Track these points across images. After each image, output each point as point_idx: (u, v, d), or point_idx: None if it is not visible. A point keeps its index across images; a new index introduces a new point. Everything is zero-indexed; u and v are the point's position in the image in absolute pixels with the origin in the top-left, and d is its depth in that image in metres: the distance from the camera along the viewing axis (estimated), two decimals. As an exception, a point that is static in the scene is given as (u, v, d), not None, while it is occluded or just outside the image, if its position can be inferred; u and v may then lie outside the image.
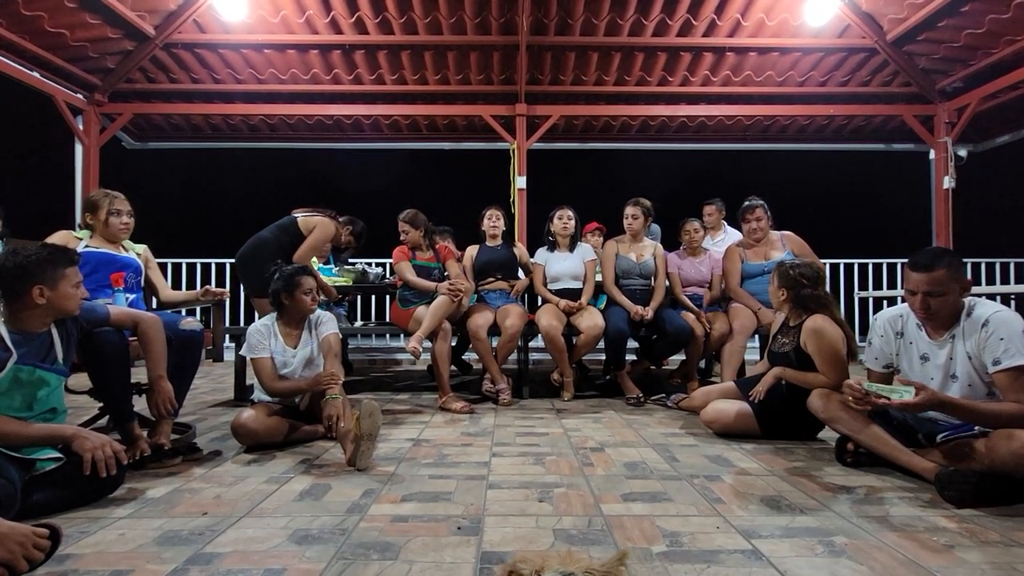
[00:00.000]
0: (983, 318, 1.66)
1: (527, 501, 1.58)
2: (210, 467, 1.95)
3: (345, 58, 5.24)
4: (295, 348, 2.36)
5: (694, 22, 4.91)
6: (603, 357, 4.38)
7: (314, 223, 3.11)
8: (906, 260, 1.79)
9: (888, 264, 5.67)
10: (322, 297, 3.28)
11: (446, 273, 3.35)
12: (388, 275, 4.74)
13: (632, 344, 3.69)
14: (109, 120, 5.40)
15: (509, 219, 3.87)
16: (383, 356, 5.60)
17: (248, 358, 2.36)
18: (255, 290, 3.05)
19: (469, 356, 4.71)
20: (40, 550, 1.08)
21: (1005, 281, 5.56)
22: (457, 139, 6.39)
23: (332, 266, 3.88)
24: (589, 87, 5.59)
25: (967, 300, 1.74)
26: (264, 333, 2.34)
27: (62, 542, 1.17)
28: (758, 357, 3.34)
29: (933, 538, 1.31)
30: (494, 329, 3.27)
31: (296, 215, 3.18)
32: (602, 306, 3.47)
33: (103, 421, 2.30)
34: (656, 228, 4.37)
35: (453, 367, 3.90)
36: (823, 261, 2.85)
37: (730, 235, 4.10)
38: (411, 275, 3.26)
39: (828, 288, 2.39)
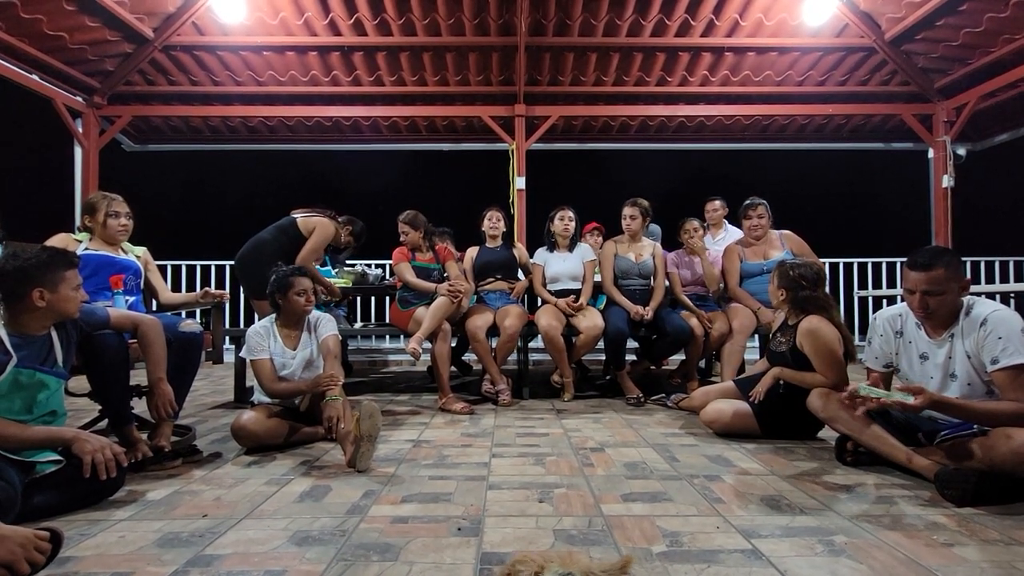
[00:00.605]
0: (981, 317, 1.66)
1: (527, 502, 1.58)
2: (210, 469, 1.95)
3: (344, 60, 5.24)
4: (294, 350, 2.36)
5: (692, 22, 4.91)
6: (603, 357, 4.38)
7: (314, 224, 3.11)
8: (905, 259, 1.79)
9: (887, 263, 5.67)
10: (324, 297, 3.28)
11: (446, 274, 3.35)
12: (388, 276, 4.74)
13: (632, 344, 3.69)
14: (108, 123, 5.40)
15: (509, 220, 3.87)
16: (383, 357, 5.60)
17: (248, 360, 2.36)
18: (255, 292, 3.05)
19: (469, 357, 4.71)
20: (41, 553, 1.08)
21: (1004, 280, 5.57)
22: (456, 140, 6.40)
23: (330, 267, 3.88)
24: (588, 88, 5.59)
25: (966, 299, 1.74)
26: (263, 335, 2.34)
27: (63, 545, 1.17)
28: (758, 356, 3.34)
29: (933, 537, 1.32)
30: (494, 330, 3.27)
31: (295, 216, 3.18)
32: (601, 306, 3.48)
33: (103, 424, 2.30)
34: (656, 228, 4.37)
35: (453, 368, 3.90)
36: (822, 260, 2.85)
37: (731, 234, 4.11)
38: (411, 276, 3.26)
39: (828, 288, 2.39)
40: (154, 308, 2.60)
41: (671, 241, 3.83)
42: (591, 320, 3.22)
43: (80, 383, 2.02)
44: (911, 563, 1.18)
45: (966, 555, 1.21)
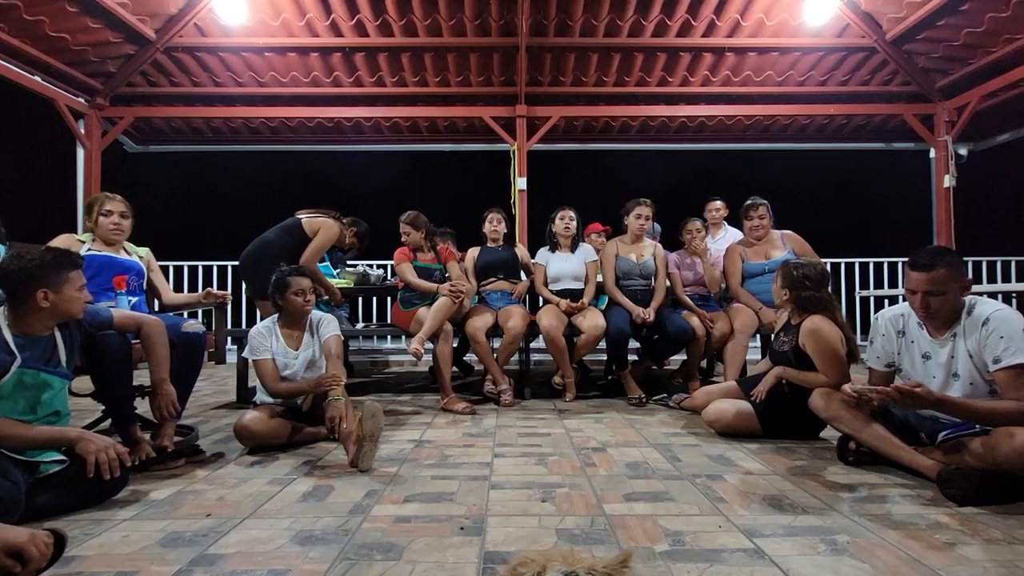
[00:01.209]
0: (983, 316, 1.66)
1: (530, 501, 1.58)
2: (213, 469, 1.95)
3: (345, 61, 5.25)
4: (297, 350, 2.37)
5: (693, 22, 4.91)
6: (604, 357, 4.39)
7: (318, 225, 3.12)
8: (906, 259, 1.79)
9: (889, 263, 5.67)
10: (324, 297, 3.29)
11: (447, 274, 3.36)
12: (389, 277, 4.75)
13: (634, 344, 3.69)
14: (111, 124, 5.41)
15: (510, 220, 3.87)
16: (384, 358, 5.60)
17: (250, 360, 2.37)
18: (258, 292, 3.05)
19: (470, 357, 4.71)
20: (44, 553, 1.08)
21: (1006, 279, 5.56)
22: (458, 140, 6.40)
23: (330, 267, 3.89)
24: (589, 88, 5.60)
25: (967, 299, 1.74)
26: (265, 335, 2.35)
27: (67, 545, 1.17)
28: (760, 356, 3.34)
29: (935, 536, 1.32)
30: (496, 330, 3.28)
31: (300, 216, 3.19)
32: (603, 307, 3.48)
33: (106, 424, 2.31)
34: (656, 227, 4.38)
35: (454, 368, 3.90)
36: (823, 260, 2.85)
37: (731, 234, 4.11)
38: (412, 276, 3.27)
39: (830, 288, 2.39)
40: (156, 308, 2.61)
41: (671, 241, 3.84)
42: (593, 320, 3.22)
43: (83, 383, 2.03)
44: (913, 562, 1.18)
45: (968, 554, 1.22)
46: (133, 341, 2.03)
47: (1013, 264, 5.66)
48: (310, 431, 2.32)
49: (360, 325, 5.14)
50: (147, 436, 2.02)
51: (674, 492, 1.66)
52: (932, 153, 5.51)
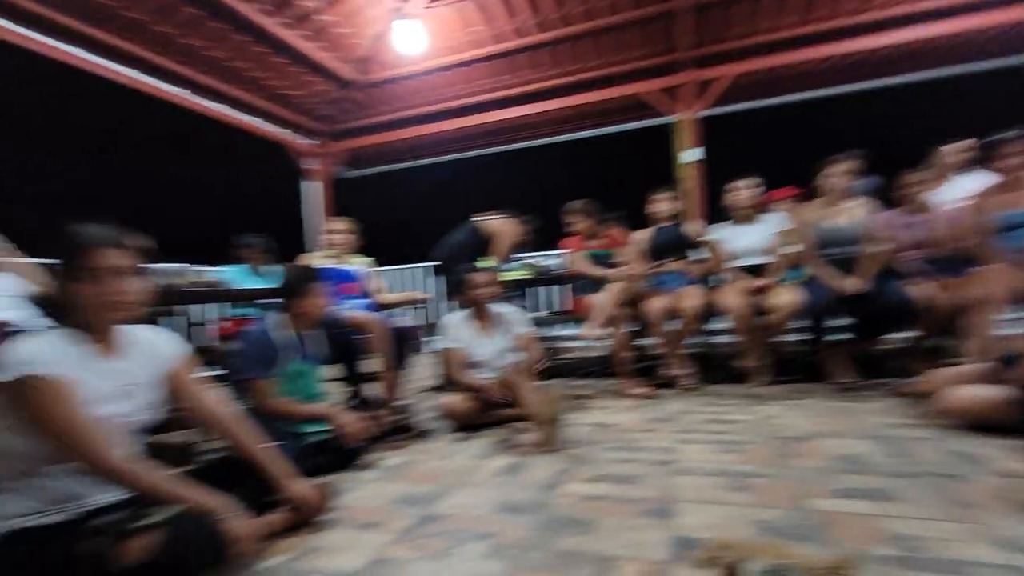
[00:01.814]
0: None
1: (721, 489, 1.53)
2: (427, 443, 2.29)
3: (509, 63, 5.54)
4: (487, 340, 2.62)
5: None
6: (803, 337, 3.91)
7: (497, 226, 3.42)
8: None
9: None
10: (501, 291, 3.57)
11: (618, 259, 3.35)
12: (562, 266, 4.90)
13: (841, 321, 3.22)
14: (330, 157, 6.58)
15: (678, 198, 3.69)
16: (561, 344, 5.81)
17: (443, 348, 2.68)
18: (453, 288, 3.45)
19: (647, 341, 4.62)
20: (320, 505, 1.41)
21: None
22: (620, 121, 6.27)
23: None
24: (764, 36, 4.96)
25: None
26: (458, 326, 2.64)
27: (335, 496, 1.51)
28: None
29: None
30: (672, 312, 3.17)
31: (480, 219, 3.52)
32: (799, 280, 3.10)
33: (347, 404, 2.86)
34: (868, 183, 3.71)
35: (631, 353, 3.87)
36: None
37: (960, 183, 3.29)
38: (584, 264, 3.34)
39: None
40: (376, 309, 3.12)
41: (887, 198, 3.23)
42: (787, 296, 2.90)
43: (330, 371, 2.54)
44: None
45: None
46: (362, 336, 2.48)
47: None
48: (503, 412, 2.55)
49: (537, 314, 5.41)
50: (377, 414, 2.45)
51: (900, 491, 1.43)
52: None
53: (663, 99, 5.23)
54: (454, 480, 1.76)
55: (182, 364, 1.35)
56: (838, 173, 2.98)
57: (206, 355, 3.21)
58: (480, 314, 2.67)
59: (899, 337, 3.29)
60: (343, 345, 2.36)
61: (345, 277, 2.92)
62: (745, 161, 3.68)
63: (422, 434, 2.43)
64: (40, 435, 1.04)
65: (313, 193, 6.49)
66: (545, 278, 4.02)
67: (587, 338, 2.94)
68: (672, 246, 3.43)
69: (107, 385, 1.16)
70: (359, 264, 3.10)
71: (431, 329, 4.18)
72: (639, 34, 5.12)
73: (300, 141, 6.24)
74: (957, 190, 3.30)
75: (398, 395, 2.44)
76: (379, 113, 6.29)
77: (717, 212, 3.45)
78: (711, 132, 5.35)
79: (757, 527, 1.27)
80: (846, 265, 2.93)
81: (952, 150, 3.38)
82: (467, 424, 2.48)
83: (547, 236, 4.42)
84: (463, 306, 2.73)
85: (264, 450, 1.40)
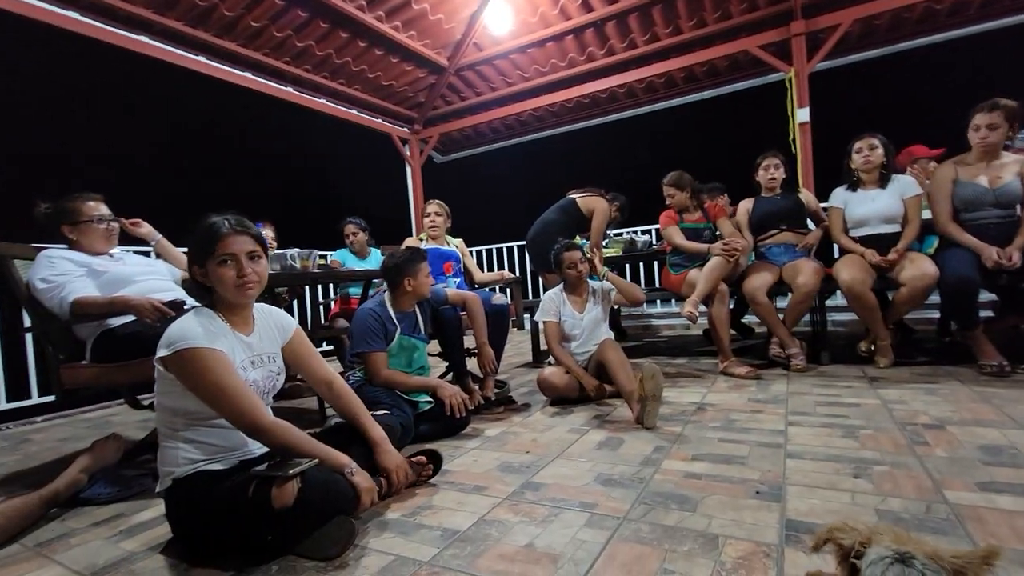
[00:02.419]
0: None
1: (837, 475, 1.43)
2: (524, 416, 2.37)
3: (597, 33, 5.37)
4: (581, 313, 2.63)
5: None
6: (936, 315, 3.48)
7: (592, 205, 3.40)
8: None
9: None
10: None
11: (718, 232, 3.18)
12: (656, 241, 4.75)
13: (988, 296, 2.82)
14: (424, 143, 6.85)
15: (789, 163, 3.40)
16: (656, 322, 5.66)
17: (540, 321, 2.73)
18: (542, 266, 3.49)
19: (750, 319, 4.36)
20: (402, 480, 1.49)
21: None
22: (720, 83, 5.85)
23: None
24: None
25: None
26: (555, 300, 2.67)
27: (442, 462, 1.63)
28: None
29: None
30: (780, 288, 2.96)
31: (574, 196, 3.51)
32: (931, 250, 2.75)
33: (449, 376, 3.02)
34: (1020, 137, 3.18)
35: (732, 332, 3.68)
36: None
37: None
38: (680, 239, 3.21)
39: None
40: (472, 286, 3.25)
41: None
42: (918, 269, 2.59)
43: (431, 346, 2.70)
44: None
45: None
46: (461, 313, 2.60)
47: None
48: (604, 387, 2.56)
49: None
50: (476, 387, 2.57)
51: (1063, 489, 1.26)
52: None
53: (771, 55, 4.79)
54: (552, 452, 1.81)
55: (296, 336, 1.52)
56: (983, 125, 2.58)
57: (321, 331, 3.55)
58: (574, 289, 2.68)
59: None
60: (444, 321, 2.49)
61: (443, 257, 3.06)
62: (865, 118, 3.30)
63: (519, 407, 2.52)
64: (199, 397, 1.23)
65: (412, 178, 6.81)
66: (638, 254, 3.93)
67: (684, 316, 2.84)
68: (781, 215, 3.19)
69: (241, 356, 1.33)
70: (454, 244, 3.23)
71: (525, 307, 4.27)
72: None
73: (398, 129, 6.56)
74: None
75: (495, 369, 2.54)
76: (471, 96, 6.41)
77: (833, 176, 3.13)
78: (825, 88, 4.83)
79: (881, 516, 1.18)
80: (991, 232, 2.55)
81: None
82: (563, 398, 2.52)
83: (645, 210, 4.30)
84: (558, 283, 2.75)
85: (367, 417, 1.52)
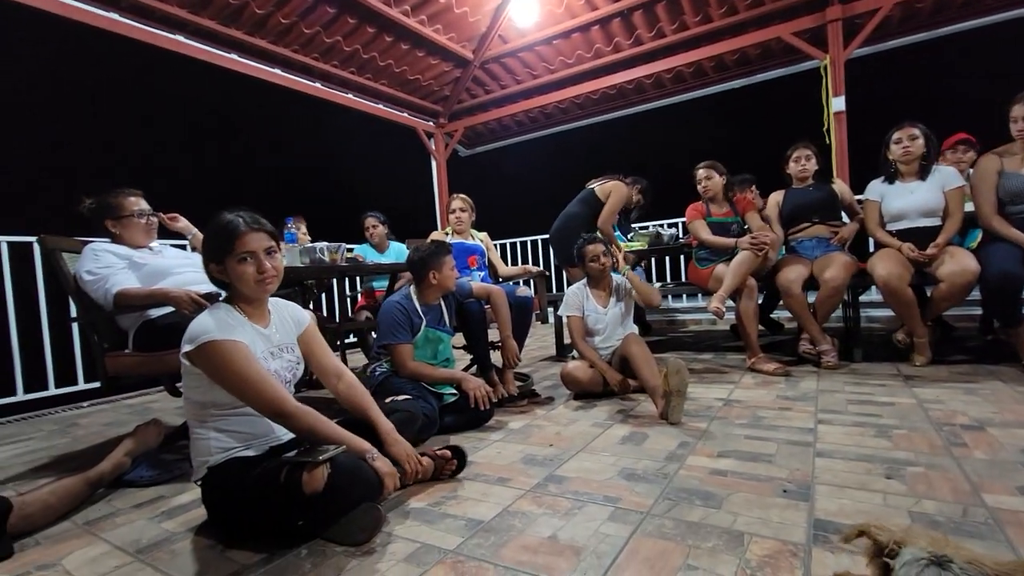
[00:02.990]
0: None
1: (868, 475, 1.40)
2: (548, 409, 2.38)
3: (624, 23, 5.29)
4: (605, 308, 2.62)
5: None
6: (978, 312, 3.35)
7: (609, 188, 3.36)
8: None
9: None
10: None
11: (747, 226, 3.11)
12: (682, 235, 4.67)
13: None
14: (449, 137, 6.87)
15: (824, 153, 3.30)
16: (682, 316, 5.59)
17: (564, 316, 2.73)
18: (565, 260, 3.48)
19: (779, 315, 4.27)
20: (415, 469, 1.49)
21: None
22: (751, 72, 5.69)
23: (620, 233, 4.06)
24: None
25: None
26: (578, 295, 2.67)
27: (467, 456, 1.65)
28: None
29: None
30: (811, 283, 2.89)
31: (592, 186, 3.47)
32: (974, 244, 2.65)
33: (473, 369, 3.05)
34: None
35: (761, 327, 3.61)
36: None
37: None
38: (706, 234, 3.15)
39: None
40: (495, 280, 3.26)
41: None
42: (958, 264, 2.49)
43: (456, 339, 2.72)
44: None
45: None
46: (485, 306, 2.62)
47: None
48: (628, 383, 2.54)
49: (656, 285, 5.24)
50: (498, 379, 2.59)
51: (1112, 495, 1.20)
52: None
53: (805, 42, 4.64)
54: (575, 445, 1.82)
55: (310, 329, 1.56)
56: (1020, 117, 2.47)
57: (345, 324, 3.62)
58: (598, 284, 2.67)
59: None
60: (469, 314, 2.51)
61: (468, 251, 3.08)
62: (903, 107, 3.17)
63: (543, 400, 2.53)
64: (225, 388, 1.27)
65: (437, 172, 6.85)
66: (664, 248, 3.87)
67: (711, 312, 2.79)
68: (814, 207, 3.10)
69: (261, 347, 1.37)
70: (478, 238, 3.24)
71: (549, 300, 4.27)
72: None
73: (424, 123, 6.59)
74: None
75: (519, 362, 2.56)
76: (496, 89, 6.40)
77: (869, 168, 3.03)
78: (862, 75, 4.66)
79: (914, 519, 1.15)
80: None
81: None
82: (586, 392, 2.52)
83: (669, 203, 4.24)
84: (581, 277, 2.74)
85: (375, 410, 1.53)
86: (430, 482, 1.56)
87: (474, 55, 5.83)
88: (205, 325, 1.28)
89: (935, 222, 2.72)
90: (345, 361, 3.13)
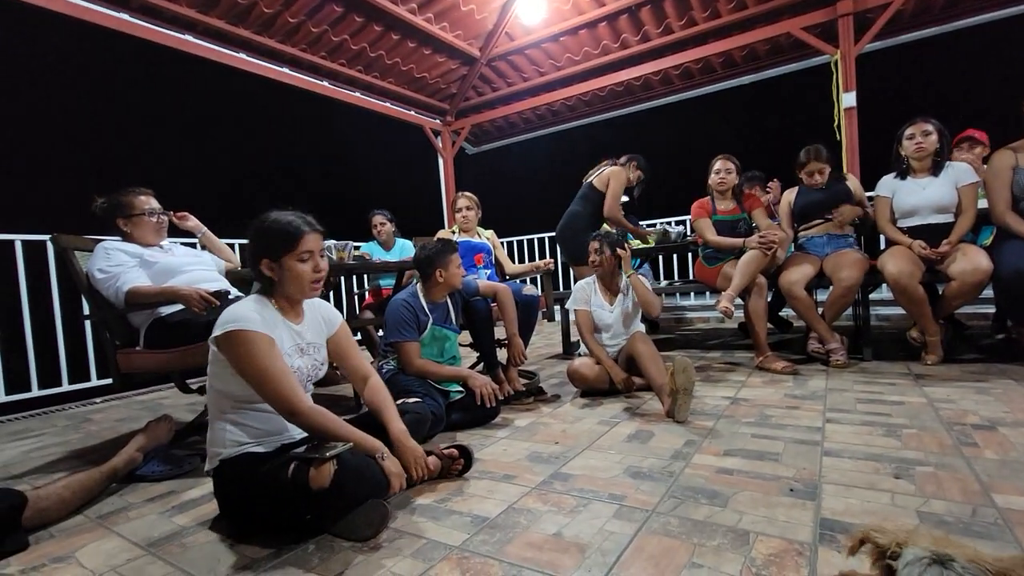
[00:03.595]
0: None
1: (876, 475, 1.39)
2: (554, 407, 2.38)
3: (632, 19, 5.26)
4: (611, 305, 2.62)
5: None
6: (991, 310, 3.31)
7: (607, 176, 3.36)
8: None
9: None
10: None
11: (754, 224, 3.09)
12: (689, 233, 4.65)
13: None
14: (456, 135, 6.87)
15: (835, 150, 3.27)
16: (690, 314, 5.56)
17: (571, 310, 2.71)
18: (572, 258, 3.48)
19: (788, 313, 4.24)
20: (424, 469, 1.48)
21: None
22: (760, 68, 5.63)
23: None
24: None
25: None
26: (586, 289, 2.66)
27: (473, 453, 1.66)
28: None
29: None
30: (821, 280, 2.86)
31: (589, 179, 3.47)
32: (987, 241, 2.61)
33: (480, 367, 3.06)
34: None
35: (769, 325, 3.59)
36: None
37: None
38: (711, 235, 3.13)
39: None
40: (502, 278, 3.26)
41: None
42: (970, 262, 2.46)
43: (462, 337, 2.73)
44: None
45: None
46: (492, 304, 2.62)
47: None
48: (631, 380, 2.54)
49: (663, 283, 5.22)
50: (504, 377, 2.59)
51: (1126, 496, 1.19)
52: None
53: (815, 37, 4.59)
54: (581, 443, 1.82)
55: (341, 330, 1.57)
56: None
57: (351, 322, 3.64)
58: (605, 280, 2.67)
59: None
60: (475, 312, 2.51)
61: (474, 249, 3.09)
62: (914, 103, 3.13)
63: (549, 398, 2.53)
64: (244, 379, 1.28)
65: (444, 169, 6.86)
66: (671, 245, 3.85)
67: (721, 311, 2.77)
68: (826, 204, 3.07)
69: (289, 343, 1.39)
70: (485, 236, 3.25)
71: (556, 298, 4.27)
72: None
73: (430, 120, 6.60)
74: None
75: (525, 360, 2.56)
76: (502, 86, 6.39)
77: (881, 164, 2.99)
78: (873, 71, 4.60)
79: (922, 519, 1.15)
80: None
81: None
82: (593, 389, 2.52)
83: (677, 200, 4.22)
84: (589, 275, 2.74)
85: (392, 412, 1.52)
86: (436, 479, 1.57)
87: (481, 53, 5.83)
88: (240, 312, 1.29)
89: (948, 219, 2.69)
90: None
